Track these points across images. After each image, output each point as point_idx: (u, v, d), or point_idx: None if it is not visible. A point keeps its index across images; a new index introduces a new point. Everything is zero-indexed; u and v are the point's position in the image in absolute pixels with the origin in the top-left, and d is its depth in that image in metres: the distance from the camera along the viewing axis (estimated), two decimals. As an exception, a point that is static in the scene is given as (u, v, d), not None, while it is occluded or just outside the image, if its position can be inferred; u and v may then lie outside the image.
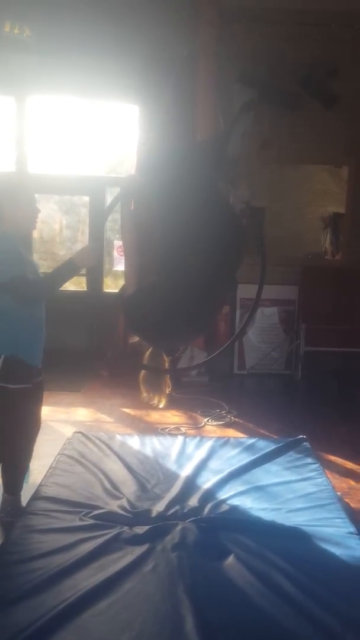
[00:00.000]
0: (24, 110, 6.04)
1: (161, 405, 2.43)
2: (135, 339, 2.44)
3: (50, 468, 3.12)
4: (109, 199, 6.44)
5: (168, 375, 2.48)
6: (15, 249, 2.49)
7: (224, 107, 5.53)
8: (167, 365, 2.55)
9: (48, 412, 4.62)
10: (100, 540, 2.41)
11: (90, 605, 2.00)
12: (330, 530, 2.59)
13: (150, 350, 2.46)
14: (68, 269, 2.50)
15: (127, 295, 2.28)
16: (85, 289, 6.45)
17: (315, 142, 5.82)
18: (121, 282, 6.28)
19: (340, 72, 5.68)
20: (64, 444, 3.48)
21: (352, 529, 2.60)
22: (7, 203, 2.51)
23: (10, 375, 2.49)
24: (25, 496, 2.84)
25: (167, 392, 2.45)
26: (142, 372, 2.46)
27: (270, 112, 5.71)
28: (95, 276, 6.36)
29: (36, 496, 2.78)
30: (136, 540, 2.43)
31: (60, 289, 2.51)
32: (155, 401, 2.41)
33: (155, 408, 4.69)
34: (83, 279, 6.48)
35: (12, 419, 2.59)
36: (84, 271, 6.41)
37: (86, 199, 6.40)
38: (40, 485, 2.91)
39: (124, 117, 6.17)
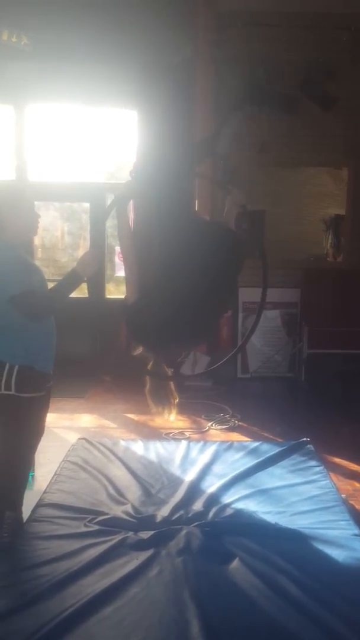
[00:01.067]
0: (23, 119, 6.07)
1: (172, 418, 2.43)
2: (139, 350, 2.42)
3: (54, 475, 3.12)
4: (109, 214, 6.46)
5: (174, 386, 2.47)
6: (19, 258, 2.47)
7: (222, 109, 5.58)
8: (170, 373, 2.55)
9: (52, 418, 4.61)
10: (105, 546, 2.41)
11: (95, 610, 2.00)
12: (334, 532, 2.59)
13: (152, 362, 2.46)
14: (72, 280, 2.49)
15: (128, 304, 2.29)
16: (87, 296, 6.47)
17: (314, 144, 5.83)
18: (123, 289, 6.27)
19: (338, 74, 5.69)
20: (68, 451, 3.48)
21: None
22: (6, 211, 2.51)
23: (24, 384, 2.47)
24: (30, 503, 2.83)
25: (175, 402, 2.44)
26: (148, 385, 2.46)
27: (269, 116, 5.72)
28: (97, 282, 6.38)
29: (41, 503, 2.78)
30: (141, 546, 2.43)
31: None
32: (166, 414, 2.41)
33: (160, 414, 4.69)
34: (85, 285, 6.49)
35: (26, 427, 2.56)
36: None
37: (87, 205, 6.42)
38: (45, 492, 2.91)
39: (123, 123, 6.19)
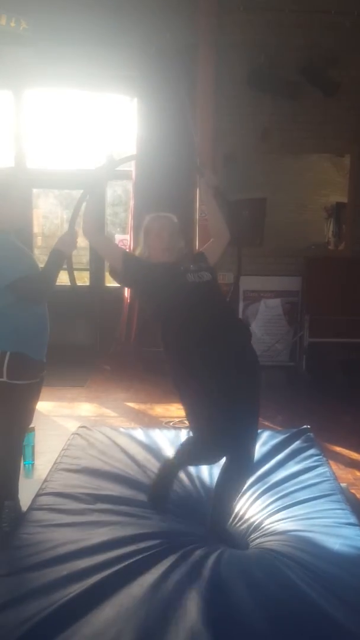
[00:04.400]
0: (21, 104, 6.01)
1: None
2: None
3: (55, 463, 3.11)
4: (108, 192, 6.42)
5: None
6: (12, 245, 2.47)
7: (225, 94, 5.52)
8: None
9: (52, 407, 4.62)
10: (106, 534, 2.40)
11: (97, 596, 1.99)
12: (330, 520, 2.58)
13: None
14: (56, 259, 2.53)
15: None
16: (88, 284, 6.44)
17: (316, 130, 5.77)
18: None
19: (341, 60, 5.62)
20: (69, 439, 3.47)
21: (353, 519, 2.59)
22: None
23: (17, 371, 2.47)
24: (31, 492, 2.82)
25: None
26: None
27: (271, 101, 5.65)
28: (97, 271, 6.35)
29: (41, 492, 2.77)
30: (142, 532, 2.42)
31: (63, 283, 2.54)
32: None
33: (159, 401, 4.68)
34: (86, 274, 6.47)
35: (18, 415, 2.56)
36: (86, 266, 6.42)
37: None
38: (45, 481, 2.90)
39: (123, 110, 6.13)
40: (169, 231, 2.68)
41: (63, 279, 2.74)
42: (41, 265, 2.61)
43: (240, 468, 2.57)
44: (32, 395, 2.59)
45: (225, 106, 5.65)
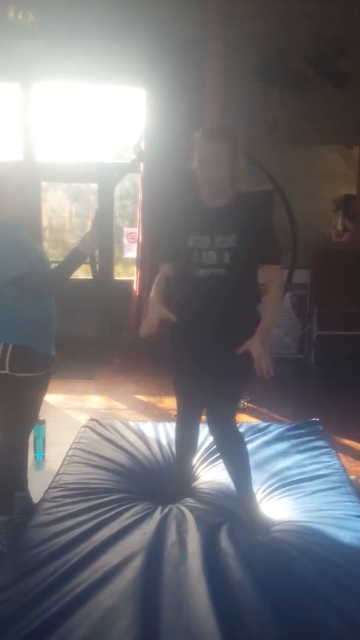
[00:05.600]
0: (30, 97, 6.00)
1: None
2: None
3: (66, 456, 3.14)
4: (117, 186, 6.42)
5: None
6: (16, 239, 2.43)
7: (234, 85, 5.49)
8: None
9: (62, 399, 4.64)
10: (118, 525, 2.43)
11: (108, 586, 2.02)
12: (339, 512, 2.59)
13: None
14: (75, 259, 2.48)
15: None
16: (93, 277, 6.44)
17: (325, 122, 5.74)
18: (132, 270, 6.24)
19: (350, 51, 5.58)
20: (79, 432, 3.49)
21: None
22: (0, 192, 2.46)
23: (18, 364, 2.45)
24: (42, 484, 2.85)
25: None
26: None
27: (280, 93, 5.63)
28: (106, 264, 6.36)
29: (53, 484, 2.80)
30: (152, 523, 2.45)
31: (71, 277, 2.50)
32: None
33: (168, 394, 4.69)
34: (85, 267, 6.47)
35: (21, 408, 2.55)
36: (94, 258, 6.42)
37: (94, 185, 6.38)
38: (57, 474, 2.93)
39: (131, 102, 6.11)
40: (217, 162, 2.34)
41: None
42: (51, 258, 2.59)
43: (219, 431, 2.56)
44: (37, 388, 2.56)
45: (233, 98, 5.63)
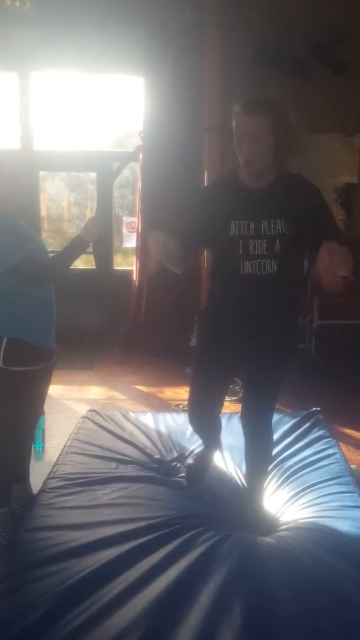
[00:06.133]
0: (27, 86, 5.95)
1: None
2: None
3: (65, 447, 3.13)
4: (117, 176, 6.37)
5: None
6: (12, 227, 2.40)
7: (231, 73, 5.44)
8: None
9: (62, 390, 4.64)
10: (116, 515, 2.42)
11: (109, 576, 2.02)
12: (340, 503, 2.58)
13: None
14: (77, 246, 2.45)
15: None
16: (95, 267, 6.42)
17: (326, 110, 5.68)
18: (132, 260, 6.19)
19: (351, 37, 5.52)
20: (78, 422, 3.49)
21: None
22: None
23: (13, 357, 2.40)
24: (41, 474, 2.85)
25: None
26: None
27: (279, 80, 5.57)
28: (106, 254, 6.31)
29: (52, 475, 2.79)
30: (152, 514, 2.44)
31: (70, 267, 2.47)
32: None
33: (168, 385, 4.67)
34: (91, 257, 6.44)
35: (19, 402, 2.50)
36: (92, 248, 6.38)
37: (93, 175, 6.33)
38: (56, 464, 2.92)
39: (129, 90, 6.06)
40: (257, 139, 2.07)
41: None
42: (50, 248, 2.55)
43: (256, 423, 2.45)
44: (36, 382, 2.52)
45: (232, 85, 5.56)
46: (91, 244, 2.55)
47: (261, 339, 2.27)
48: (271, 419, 2.52)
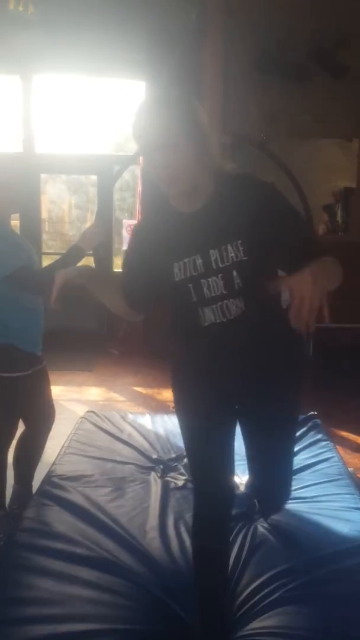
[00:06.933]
0: (30, 89, 5.99)
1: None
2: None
3: (62, 447, 3.15)
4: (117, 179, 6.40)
5: None
6: (5, 235, 2.41)
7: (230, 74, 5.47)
8: None
9: (60, 391, 4.66)
10: (113, 515, 2.45)
11: (105, 573, 2.04)
12: (338, 505, 2.61)
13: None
14: (73, 256, 2.47)
15: None
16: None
17: (325, 115, 5.72)
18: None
19: (350, 43, 5.56)
20: (76, 423, 3.51)
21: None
22: None
23: (7, 363, 2.42)
24: (39, 475, 2.87)
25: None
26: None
27: (279, 85, 5.61)
28: (105, 256, 6.35)
29: (50, 475, 2.81)
30: (149, 514, 2.47)
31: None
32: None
33: (166, 386, 4.69)
34: (91, 259, 6.48)
35: (7, 408, 2.53)
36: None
37: (94, 177, 6.37)
38: (54, 464, 2.94)
39: (131, 94, 6.10)
40: (169, 143, 1.48)
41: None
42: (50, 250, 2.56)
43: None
44: (24, 387, 2.53)
45: (233, 89, 5.61)
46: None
47: (254, 406, 1.79)
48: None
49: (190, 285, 1.59)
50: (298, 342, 1.81)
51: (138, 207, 5.89)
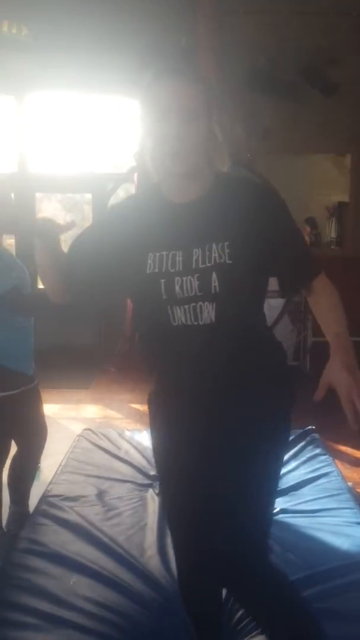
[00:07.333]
0: (23, 109, 6.03)
1: None
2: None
3: (60, 466, 3.14)
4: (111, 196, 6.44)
5: None
6: None
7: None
8: None
9: (57, 409, 4.64)
10: (112, 533, 2.42)
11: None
12: (339, 520, 2.59)
13: None
14: None
15: None
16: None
17: (317, 131, 5.79)
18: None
19: (341, 60, 5.64)
20: (73, 442, 3.49)
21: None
22: None
23: None
24: (36, 494, 2.85)
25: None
26: None
27: (272, 102, 5.67)
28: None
29: (47, 494, 2.79)
30: (148, 532, 2.45)
31: None
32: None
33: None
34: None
35: (2, 428, 2.51)
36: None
37: (89, 196, 6.40)
38: (51, 483, 2.92)
39: (126, 112, 6.16)
40: (188, 115, 1.36)
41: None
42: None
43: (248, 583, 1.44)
44: (11, 409, 2.50)
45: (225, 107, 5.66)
46: None
47: (217, 431, 1.45)
48: (267, 568, 1.47)
49: (162, 280, 1.41)
50: (284, 375, 1.59)
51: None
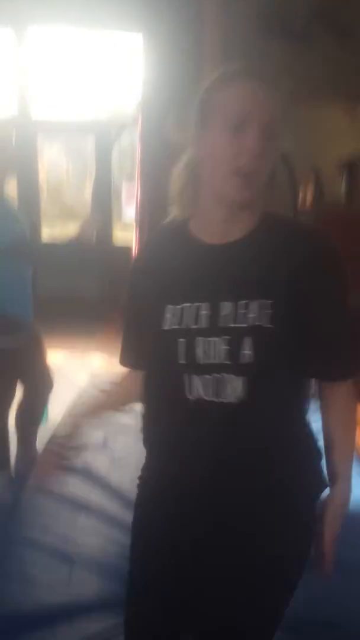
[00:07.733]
0: (23, 43, 5.77)
1: None
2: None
3: (66, 413, 3.15)
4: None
5: None
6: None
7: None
8: None
9: (62, 358, 4.65)
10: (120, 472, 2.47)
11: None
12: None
13: None
14: (70, 247, 2.54)
15: None
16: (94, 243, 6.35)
17: (329, 78, 5.59)
18: (130, 234, 6.09)
19: (355, 2, 5.40)
20: (81, 390, 3.51)
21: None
22: None
23: None
24: (44, 437, 2.88)
25: None
26: None
27: (281, 47, 5.46)
28: (104, 226, 6.24)
29: (53, 439, 2.82)
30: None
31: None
32: None
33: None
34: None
35: (4, 373, 2.53)
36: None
37: (91, 144, 6.24)
38: (56, 429, 2.94)
39: (128, 51, 5.92)
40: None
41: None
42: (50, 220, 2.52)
43: None
44: (12, 355, 2.50)
45: (233, 52, 5.45)
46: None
47: (229, 533, 1.17)
48: None
49: (181, 340, 1.12)
50: (306, 466, 1.21)
51: (138, 170, 5.77)
